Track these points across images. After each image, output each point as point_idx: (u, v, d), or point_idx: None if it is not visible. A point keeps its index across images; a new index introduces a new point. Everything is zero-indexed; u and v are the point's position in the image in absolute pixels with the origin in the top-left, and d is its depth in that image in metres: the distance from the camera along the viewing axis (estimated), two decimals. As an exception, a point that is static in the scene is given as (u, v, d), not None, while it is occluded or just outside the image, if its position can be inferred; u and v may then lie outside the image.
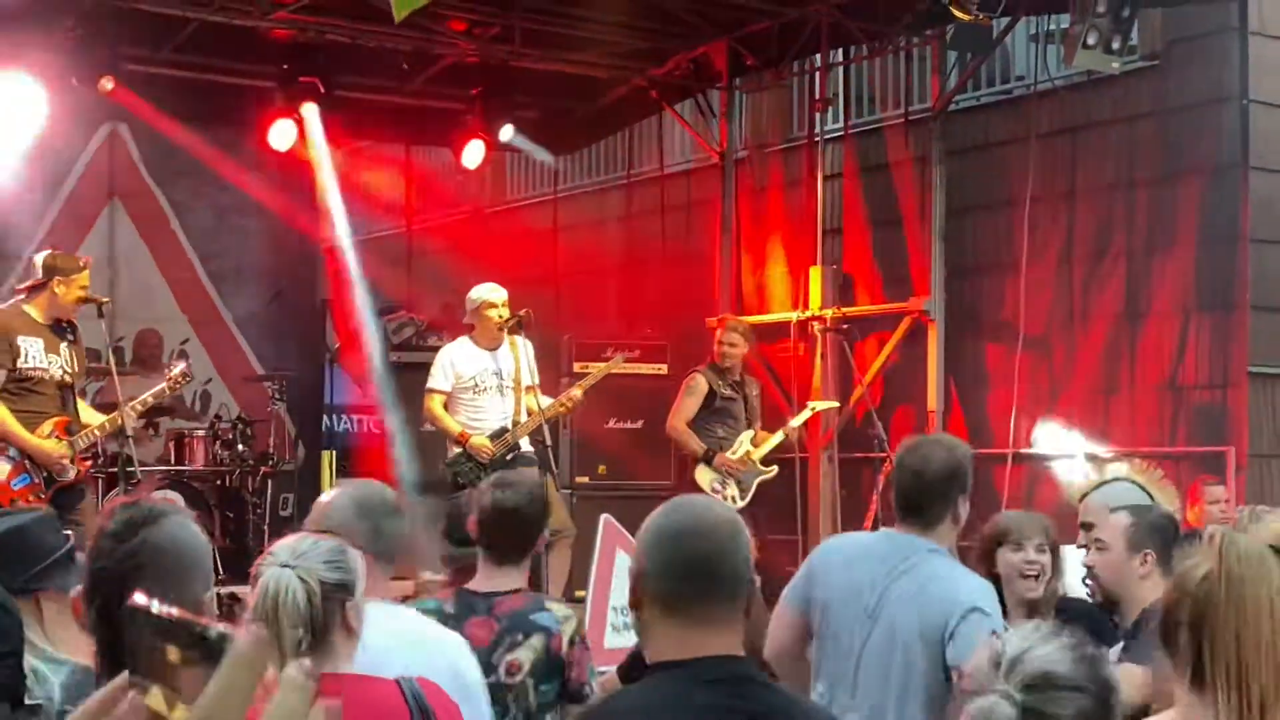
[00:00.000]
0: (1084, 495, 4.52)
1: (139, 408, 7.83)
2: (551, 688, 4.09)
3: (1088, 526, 4.24)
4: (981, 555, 4.50)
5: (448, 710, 3.16)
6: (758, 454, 9.41)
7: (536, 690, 4.06)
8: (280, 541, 3.07)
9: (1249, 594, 2.66)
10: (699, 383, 9.44)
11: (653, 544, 2.51)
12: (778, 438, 9.53)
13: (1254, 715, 2.56)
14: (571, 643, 4.11)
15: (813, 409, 10.03)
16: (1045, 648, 2.04)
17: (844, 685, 3.99)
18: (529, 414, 8.37)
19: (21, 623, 2.77)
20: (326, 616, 2.97)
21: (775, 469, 9.56)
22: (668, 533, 2.51)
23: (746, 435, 9.46)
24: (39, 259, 7.64)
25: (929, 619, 3.92)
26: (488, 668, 3.81)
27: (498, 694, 3.85)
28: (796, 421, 9.80)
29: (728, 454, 9.34)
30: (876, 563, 4.06)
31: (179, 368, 8.23)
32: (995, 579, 4.38)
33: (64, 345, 7.49)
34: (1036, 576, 4.42)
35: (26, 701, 2.85)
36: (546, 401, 8.56)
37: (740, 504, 9.20)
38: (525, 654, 4.04)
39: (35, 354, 7.39)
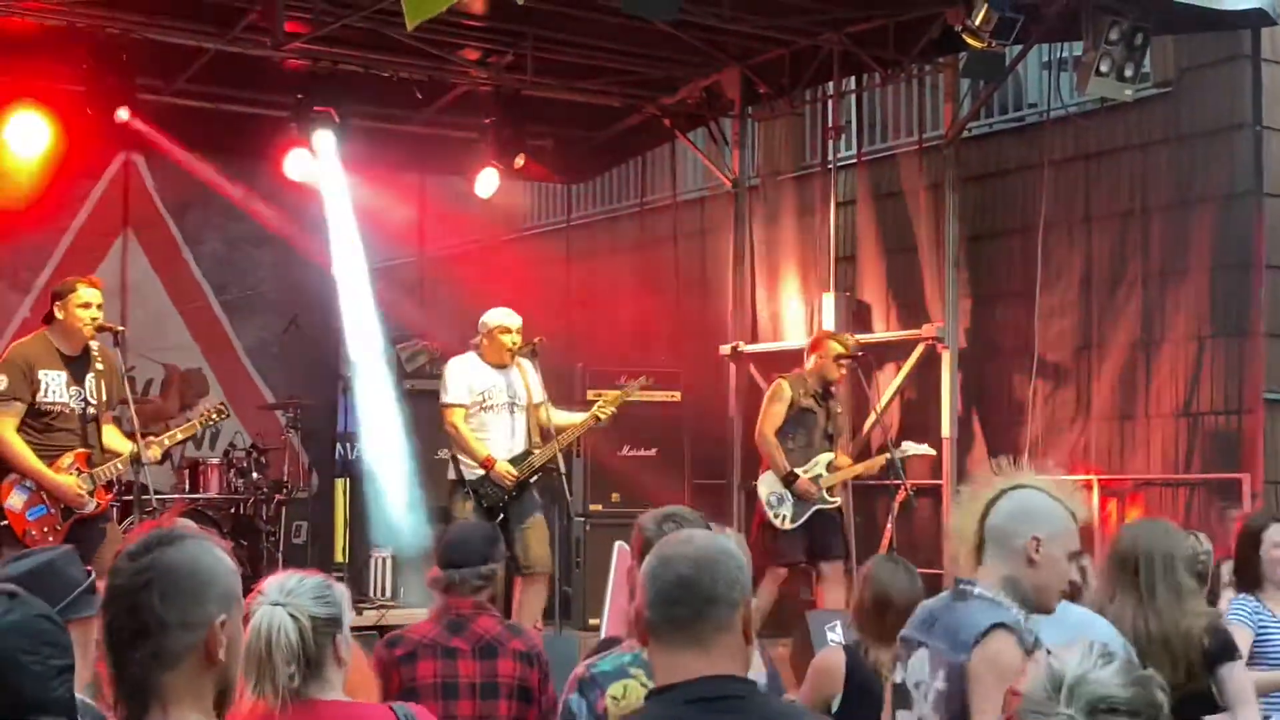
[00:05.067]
0: None
1: (165, 443, 7.71)
2: None
3: None
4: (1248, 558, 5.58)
5: None
6: (827, 482, 9.17)
7: None
8: (268, 580, 3.11)
9: None
10: (783, 389, 9.26)
11: (644, 581, 2.59)
12: (855, 470, 9.40)
13: None
14: None
15: (908, 452, 9.52)
16: (1103, 671, 2.03)
17: None
18: (542, 434, 8.31)
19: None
20: (319, 650, 3.04)
21: (838, 501, 9.34)
22: (651, 568, 2.59)
23: (825, 458, 9.24)
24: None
25: None
26: None
27: None
28: (890, 458, 9.35)
29: (801, 471, 9.11)
30: None
31: (213, 403, 8.09)
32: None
33: (89, 376, 7.34)
34: None
35: None
36: (560, 415, 8.51)
37: (789, 526, 9.08)
38: None
39: (56, 388, 7.26)
